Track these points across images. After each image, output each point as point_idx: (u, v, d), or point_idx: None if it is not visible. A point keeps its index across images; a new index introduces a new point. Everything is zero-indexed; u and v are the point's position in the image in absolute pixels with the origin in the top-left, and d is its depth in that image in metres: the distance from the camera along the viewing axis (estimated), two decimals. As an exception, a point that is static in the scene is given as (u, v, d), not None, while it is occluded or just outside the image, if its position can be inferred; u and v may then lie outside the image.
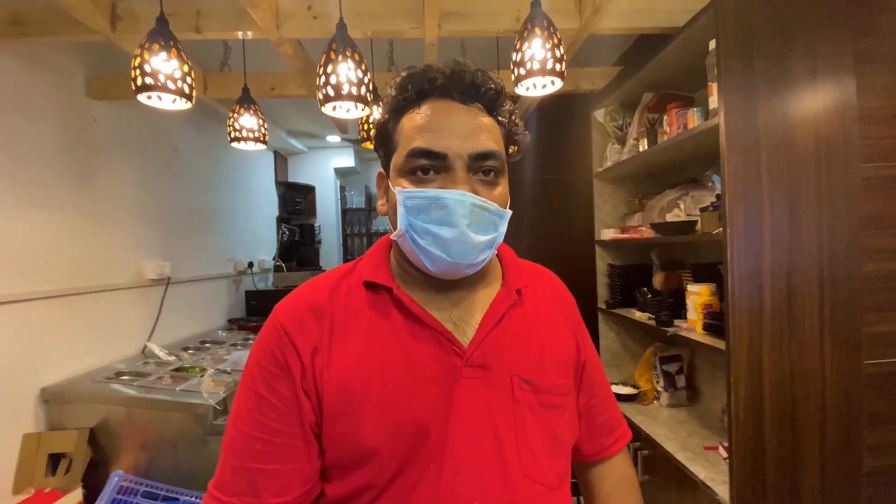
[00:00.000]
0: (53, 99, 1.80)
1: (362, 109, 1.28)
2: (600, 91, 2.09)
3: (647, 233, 1.71)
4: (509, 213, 0.58)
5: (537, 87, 1.28)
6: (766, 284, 1.18)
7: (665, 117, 1.61)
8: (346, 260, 4.91)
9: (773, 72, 1.19)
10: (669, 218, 1.70)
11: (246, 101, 1.71)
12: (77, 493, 1.61)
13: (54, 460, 1.66)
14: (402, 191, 0.55)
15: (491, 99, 0.57)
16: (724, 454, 1.36)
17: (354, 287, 0.59)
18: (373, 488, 0.52)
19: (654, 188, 1.96)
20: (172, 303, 2.41)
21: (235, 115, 1.70)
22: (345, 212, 4.94)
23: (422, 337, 0.56)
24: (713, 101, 1.25)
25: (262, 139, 1.75)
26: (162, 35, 1.16)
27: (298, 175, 4.42)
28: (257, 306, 3.16)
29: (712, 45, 1.26)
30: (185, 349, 2.33)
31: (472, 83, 0.56)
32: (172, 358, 2.13)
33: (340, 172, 4.73)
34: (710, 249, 1.73)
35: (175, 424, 1.65)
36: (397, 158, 0.57)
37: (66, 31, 1.41)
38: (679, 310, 1.61)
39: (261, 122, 1.74)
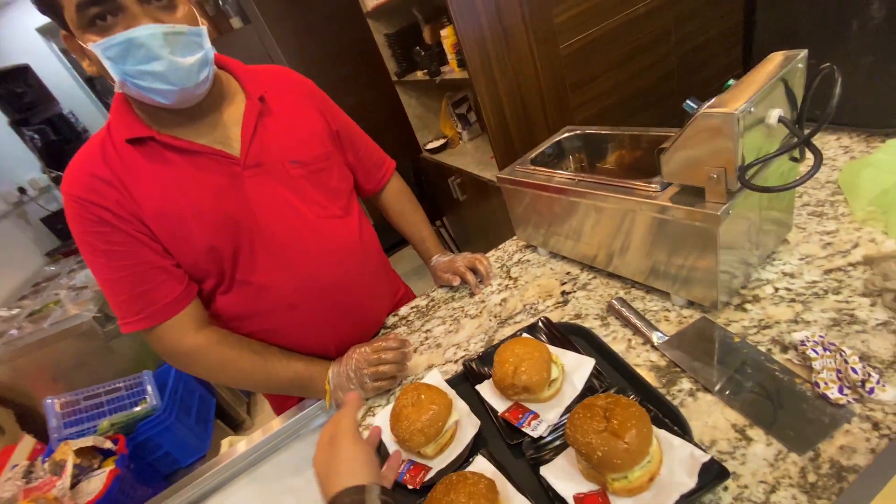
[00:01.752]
0: None
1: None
2: None
3: (396, -9, 1.80)
4: (203, 28, 0.65)
5: None
6: (479, 9, 1.45)
7: None
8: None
9: None
10: (410, -31, 1.78)
11: None
12: (27, 440, 1.75)
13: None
14: (95, 45, 0.58)
15: None
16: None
17: (120, 148, 0.68)
18: (226, 269, 0.75)
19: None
20: (-37, 266, 2.10)
21: None
22: (91, 80, 3.94)
23: (200, 162, 0.71)
24: None
25: None
26: None
27: (-7, 58, 3.28)
28: (64, 228, 2.82)
29: None
30: (23, 298, 2.17)
31: None
32: (16, 311, 2.02)
33: (49, 32, 3.56)
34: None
35: (70, 350, 1.75)
36: (69, 15, 0.58)
37: None
38: (444, 57, 1.87)
39: None
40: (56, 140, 2.95)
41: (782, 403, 0.53)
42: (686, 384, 0.61)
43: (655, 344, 0.66)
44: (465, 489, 0.50)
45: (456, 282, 0.94)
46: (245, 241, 0.75)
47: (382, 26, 2.22)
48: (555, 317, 0.79)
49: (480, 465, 0.58)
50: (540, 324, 0.76)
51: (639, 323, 0.70)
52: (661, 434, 0.52)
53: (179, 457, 1.68)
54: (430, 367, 0.80)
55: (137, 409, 1.62)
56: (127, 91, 0.64)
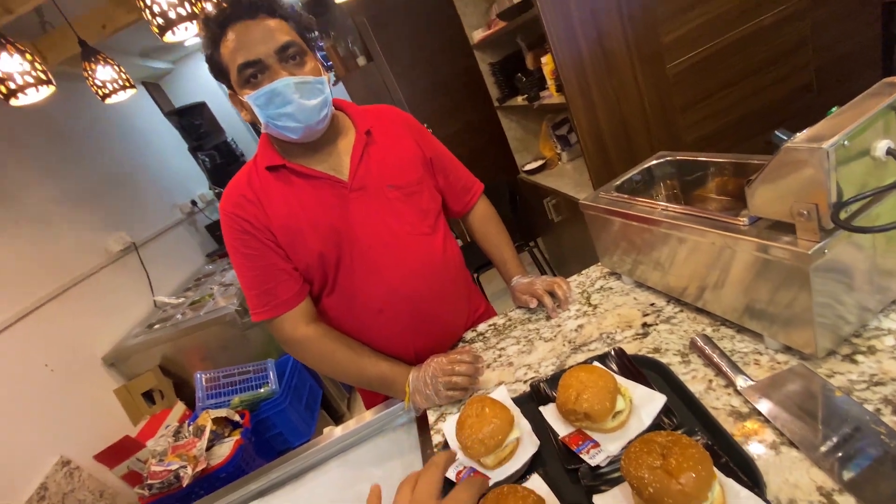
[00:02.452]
0: None
1: (195, 23, 1.36)
2: None
3: (501, 22, 1.90)
4: (324, 77, 0.82)
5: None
6: (578, 34, 1.46)
7: None
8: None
9: None
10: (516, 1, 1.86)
11: (90, 54, 1.70)
12: (180, 406, 2.16)
13: (148, 396, 2.18)
14: (248, 96, 0.79)
15: (268, 7, 0.78)
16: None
17: (262, 174, 0.88)
18: (329, 274, 0.90)
19: (500, -27, 2.05)
20: (151, 261, 2.67)
21: (89, 73, 1.71)
22: (250, 114, 4.74)
23: (317, 185, 0.88)
24: None
25: (129, 84, 1.79)
26: (-18, 33, 1.19)
27: (182, 97, 4.14)
28: (221, 235, 3.42)
29: None
30: (188, 290, 2.69)
31: (250, 3, 0.77)
32: (182, 300, 2.51)
33: (222, 76, 4.41)
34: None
35: (217, 335, 2.11)
36: (233, 77, 0.80)
37: None
38: (545, 82, 1.91)
39: (117, 68, 1.75)
40: (221, 163, 3.61)
41: (885, 472, 0.47)
42: (769, 435, 0.56)
43: (739, 388, 0.62)
44: (515, 501, 0.53)
45: (533, 304, 0.97)
46: (346, 251, 0.89)
47: (487, 56, 2.33)
48: (632, 348, 0.77)
49: (535, 483, 0.60)
50: (612, 353, 0.75)
51: (723, 363, 0.65)
52: (728, 483, 0.49)
53: (290, 437, 1.92)
54: (499, 384, 0.83)
55: (261, 391, 1.90)
56: (269, 131, 0.84)
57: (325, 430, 1.37)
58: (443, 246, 0.97)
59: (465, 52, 2.52)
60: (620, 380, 0.67)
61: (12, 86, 1.23)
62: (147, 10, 1.21)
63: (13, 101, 1.25)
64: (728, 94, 1.63)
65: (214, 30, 0.78)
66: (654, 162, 0.93)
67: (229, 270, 2.70)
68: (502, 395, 0.75)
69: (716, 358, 0.66)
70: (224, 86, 0.84)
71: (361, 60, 2.93)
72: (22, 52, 1.24)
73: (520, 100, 2.12)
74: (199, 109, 3.75)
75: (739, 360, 0.66)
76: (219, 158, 3.64)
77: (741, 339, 0.70)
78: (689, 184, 0.90)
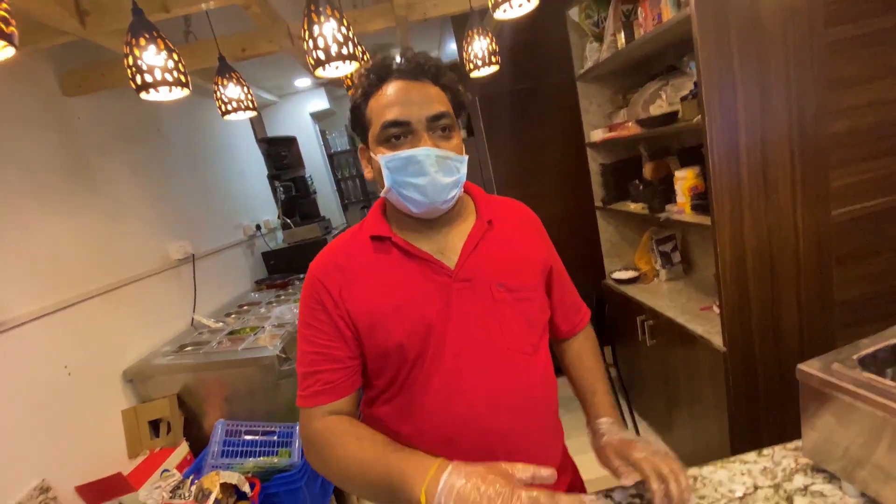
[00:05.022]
0: (35, 106, 1.79)
1: (350, 64, 1.32)
2: (571, -12, 2.05)
3: (634, 129, 1.81)
4: (466, 157, 0.75)
5: (513, 8, 1.31)
6: (742, 160, 1.33)
7: (639, 9, 1.62)
8: (343, 206, 4.99)
9: (739, -49, 1.22)
10: (653, 110, 1.79)
11: (225, 70, 1.71)
12: (184, 447, 1.90)
13: (154, 426, 1.94)
14: (383, 157, 0.71)
15: (434, 74, 0.72)
16: (717, 311, 1.60)
17: (363, 242, 0.78)
18: (401, 373, 0.74)
19: (636, 81, 2.02)
20: (202, 276, 2.57)
21: (220, 87, 1.71)
22: (331, 157, 4.90)
23: (419, 267, 0.75)
24: (684, -9, 1.29)
25: (251, 106, 1.78)
26: (144, 27, 1.17)
27: (276, 128, 4.34)
28: (276, 265, 3.33)
29: (678, -69, 1.26)
30: (228, 315, 2.53)
31: (417, 64, 0.71)
32: (220, 324, 2.34)
33: (317, 116, 4.63)
34: (693, 134, 1.83)
35: (248, 377, 1.90)
36: (373, 132, 0.72)
37: (39, 37, 1.39)
38: (669, 195, 1.77)
39: (246, 89, 1.75)
40: (294, 195, 3.63)
41: None
42: None
43: None
44: None
45: (628, 480, 0.72)
46: (430, 350, 0.73)
47: (600, 156, 2.25)
48: None
49: None
50: None
51: None
52: None
53: (294, 524, 1.61)
54: None
55: (277, 459, 1.63)
56: (389, 196, 0.75)
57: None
58: (543, 372, 0.79)
59: (573, 145, 2.47)
60: None
61: (149, 79, 1.19)
62: (311, 41, 1.16)
63: (143, 94, 1.21)
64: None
65: (372, 80, 0.72)
66: (912, 340, 0.71)
67: (277, 305, 2.55)
68: None
69: None
70: (358, 138, 0.78)
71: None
72: (171, 51, 1.21)
73: (633, 206, 1.97)
74: (289, 143, 3.88)
75: None
76: (294, 190, 3.68)
77: None
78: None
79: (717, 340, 1.48)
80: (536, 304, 0.82)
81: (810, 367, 0.70)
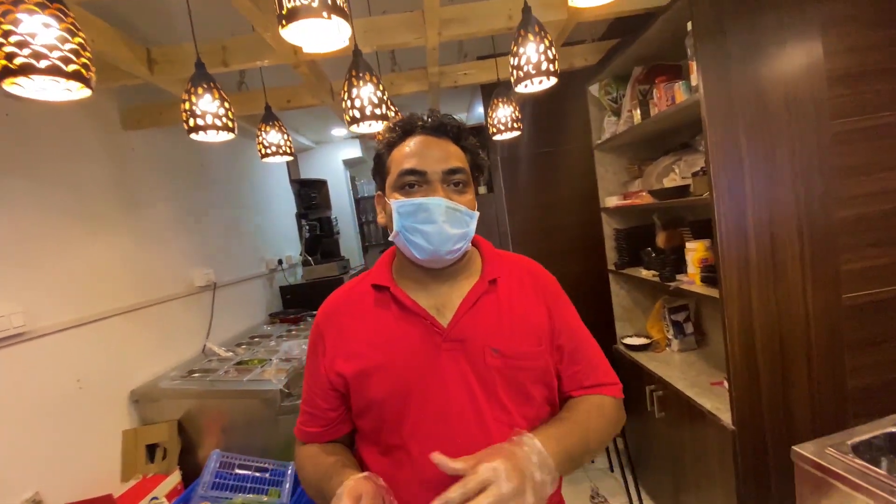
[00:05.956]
0: (97, 137, 1.98)
1: (382, 123, 1.45)
2: (593, 67, 2.20)
3: (647, 198, 1.87)
4: (476, 213, 0.77)
5: (534, 84, 1.43)
6: (750, 237, 1.35)
7: (655, 90, 1.74)
8: (364, 248, 5.13)
9: (746, 46, 1.32)
10: (666, 182, 1.85)
11: (270, 118, 1.88)
12: (176, 475, 1.89)
13: (150, 450, 1.94)
14: (396, 202, 0.74)
15: (456, 134, 0.77)
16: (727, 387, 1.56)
17: (365, 290, 0.81)
18: (383, 428, 0.75)
19: (651, 154, 2.10)
20: (220, 304, 2.65)
21: (263, 133, 1.87)
22: (357, 201, 5.12)
23: (412, 321, 0.75)
24: (694, 79, 1.39)
25: (288, 152, 1.93)
26: (203, 78, 1.33)
27: (310, 171, 4.58)
28: (292, 300, 3.41)
29: (689, 26, 1.38)
30: (239, 345, 2.58)
31: (441, 123, 0.76)
32: (230, 354, 2.38)
33: (349, 163, 4.89)
34: (705, 208, 1.87)
35: (249, 409, 1.91)
36: (391, 179, 0.76)
37: (110, 76, 1.58)
38: (681, 265, 1.78)
39: (285, 137, 1.91)
40: (318, 235, 3.78)
41: None
42: None
43: None
44: None
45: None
46: (411, 413, 0.72)
47: (614, 221, 2.30)
48: None
49: None
50: None
51: None
52: None
53: (272, 572, 1.55)
54: None
55: (266, 498, 1.60)
56: (396, 241, 0.77)
57: None
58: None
59: (587, 209, 2.53)
60: None
61: (201, 122, 1.32)
62: (349, 100, 1.29)
63: (193, 135, 1.34)
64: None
65: (398, 132, 0.77)
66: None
67: (287, 339, 2.59)
68: None
69: None
70: (376, 184, 0.82)
71: (482, 189, 3.06)
72: (223, 100, 1.35)
73: (644, 272, 1.99)
74: (320, 185, 4.10)
75: None
76: (319, 230, 3.83)
77: None
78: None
79: (725, 417, 1.44)
80: (533, 376, 0.75)
81: (804, 450, 0.69)
